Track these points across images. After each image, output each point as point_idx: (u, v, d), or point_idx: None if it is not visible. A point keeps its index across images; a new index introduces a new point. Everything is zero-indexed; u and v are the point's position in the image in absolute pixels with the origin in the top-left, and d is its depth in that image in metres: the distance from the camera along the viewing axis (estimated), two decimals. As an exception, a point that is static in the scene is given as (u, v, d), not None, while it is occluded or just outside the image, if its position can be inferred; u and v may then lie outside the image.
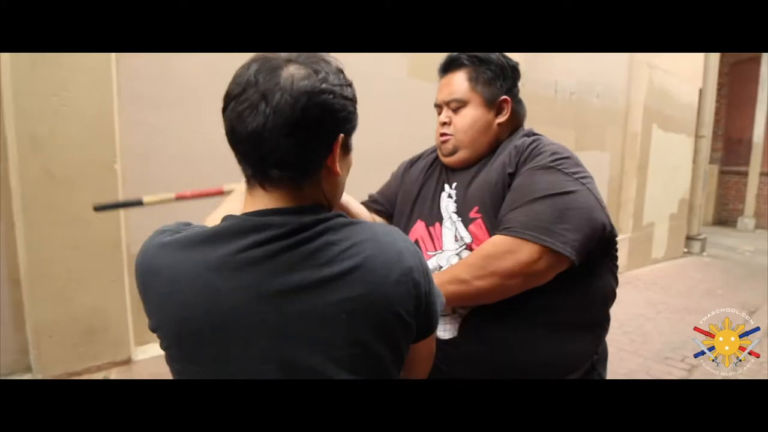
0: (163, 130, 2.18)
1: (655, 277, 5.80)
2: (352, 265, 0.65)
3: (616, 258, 1.18)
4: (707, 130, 7.36)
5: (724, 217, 10.51)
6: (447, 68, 1.23)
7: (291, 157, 0.66)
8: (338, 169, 0.71)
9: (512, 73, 1.21)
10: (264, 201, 0.69)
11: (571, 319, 1.10)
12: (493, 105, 1.19)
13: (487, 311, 1.07)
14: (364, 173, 2.93)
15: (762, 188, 9.91)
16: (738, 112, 10.09)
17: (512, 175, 1.10)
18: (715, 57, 7.27)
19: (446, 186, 1.23)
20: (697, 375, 3.23)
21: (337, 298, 0.65)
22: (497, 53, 1.20)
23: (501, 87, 1.19)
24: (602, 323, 1.20)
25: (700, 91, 7.03)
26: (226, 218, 0.69)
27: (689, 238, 7.31)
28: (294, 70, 0.65)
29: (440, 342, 1.03)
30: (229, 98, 0.66)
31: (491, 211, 1.09)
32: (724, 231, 9.60)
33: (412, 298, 0.70)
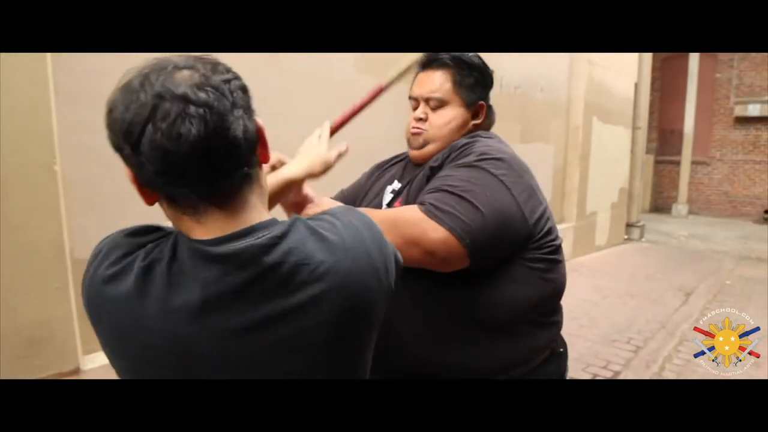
0: (105, 128, 2.08)
1: (599, 263, 6.04)
2: (325, 286, 0.62)
3: (548, 262, 1.12)
4: (643, 122, 7.71)
5: (660, 204, 11.06)
6: (429, 64, 1.22)
7: (240, 153, 0.61)
8: (268, 155, 0.68)
9: (490, 80, 1.23)
10: (217, 224, 0.62)
11: (486, 323, 1.09)
12: (471, 108, 1.20)
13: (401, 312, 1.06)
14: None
15: (693, 176, 10.50)
16: (670, 105, 10.64)
17: (434, 169, 1.11)
18: (648, 53, 7.62)
19: (396, 181, 1.24)
20: (642, 355, 3.39)
21: (315, 321, 0.62)
22: (479, 59, 1.21)
23: (480, 93, 1.21)
24: (525, 328, 1.14)
25: (636, 85, 7.36)
26: (179, 244, 0.63)
27: (629, 226, 7.66)
28: (194, 71, 0.59)
29: None
30: (139, 125, 0.57)
31: (411, 202, 1.09)
32: (660, 217, 10.11)
33: (383, 292, 0.69)
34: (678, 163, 10.46)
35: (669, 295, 4.79)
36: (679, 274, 5.63)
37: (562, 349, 1.24)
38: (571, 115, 6.09)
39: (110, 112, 0.60)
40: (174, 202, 0.62)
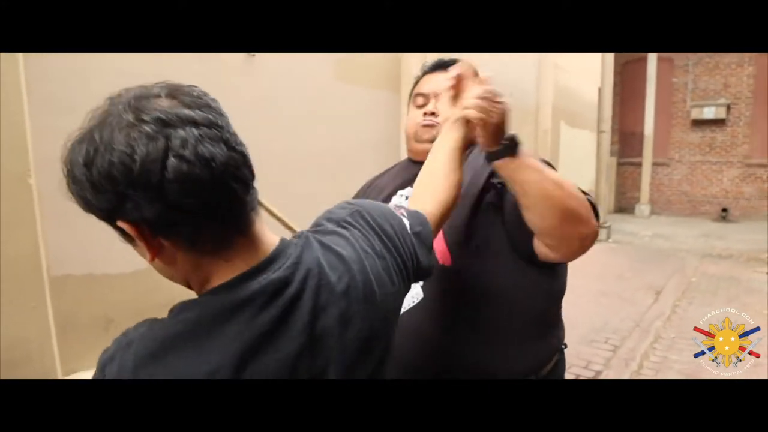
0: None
1: (571, 264, 6.13)
2: (346, 304, 0.63)
3: None
4: (607, 125, 7.92)
5: (623, 205, 11.36)
6: (440, 66, 1.22)
7: (252, 169, 0.59)
8: None
9: None
10: (242, 256, 0.59)
11: (530, 322, 1.10)
12: None
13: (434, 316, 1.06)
14: (289, 174, 2.88)
15: (654, 177, 10.83)
16: (630, 108, 10.95)
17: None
18: (609, 57, 7.84)
19: (409, 187, 1.22)
20: (620, 354, 3.45)
21: (348, 338, 0.63)
22: None
23: None
24: (556, 325, 1.19)
25: (599, 89, 7.57)
26: (190, 309, 0.57)
27: (597, 227, 7.83)
28: (176, 95, 0.55)
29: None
30: (158, 161, 0.50)
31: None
32: (624, 218, 10.38)
33: (401, 287, 0.73)
34: (639, 165, 10.77)
35: (640, 294, 4.91)
36: (648, 273, 5.78)
37: (563, 346, 1.25)
38: (540, 119, 6.20)
39: (91, 163, 0.52)
40: (195, 244, 0.56)
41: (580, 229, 0.96)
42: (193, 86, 0.59)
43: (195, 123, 0.53)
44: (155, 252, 0.57)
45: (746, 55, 9.69)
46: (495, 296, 1.05)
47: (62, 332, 1.90)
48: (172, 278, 0.62)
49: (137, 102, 0.54)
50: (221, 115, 0.57)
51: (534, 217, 0.94)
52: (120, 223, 0.54)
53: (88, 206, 0.55)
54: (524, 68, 5.79)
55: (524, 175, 0.91)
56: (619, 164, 11.28)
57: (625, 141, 11.32)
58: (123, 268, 2.12)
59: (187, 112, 0.53)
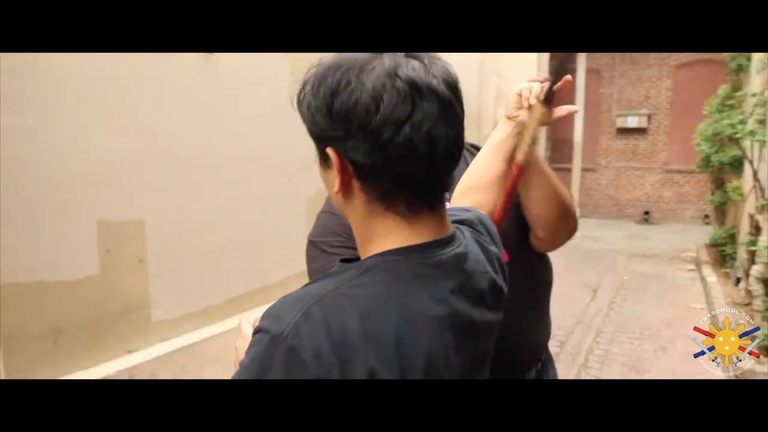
0: (37, 135, 1.86)
1: (512, 266, 6.35)
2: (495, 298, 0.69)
3: None
4: (541, 132, 8.24)
5: (555, 208, 11.87)
6: None
7: (462, 150, 0.63)
8: None
9: None
10: (429, 227, 0.61)
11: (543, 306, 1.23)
12: None
13: None
14: (247, 174, 2.81)
15: (583, 182, 11.38)
16: (561, 117, 11.45)
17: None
18: (544, 68, 8.19)
19: None
20: (567, 350, 3.61)
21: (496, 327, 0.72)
22: None
23: None
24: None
25: (535, 97, 7.88)
26: (387, 269, 0.57)
27: (533, 229, 8.13)
28: (429, 68, 0.58)
29: None
30: (398, 124, 0.54)
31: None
32: (557, 221, 10.86)
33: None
34: (569, 170, 11.27)
35: (579, 292, 5.16)
36: (583, 272, 6.07)
37: None
38: (481, 125, 6.38)
39: (337, 92, 0.55)
40: (385, 200, 0.59)
41: (570, 223, 1.13)
42: (440, 60, 0.60)
43: (440, 99, 0.56)
44: (344, 189, 0.59)
45: (665, 69, 10.42)
46: (536, 283, 1.19)
47: (10, 343, 1.76)
48: (342, 213, 0.63)
49: (395, 60, 0.56)
50: (461, 100, 0.60)
51: (540, 210, 1.03)
52: (330, 151, 0.56)
53: (312, 124, 0.58)
54: (466, 73, 5.94)
55: (537, 176, 1.07)
56: (552, 169, 11.78)
57: (556, 147, 11.83)
58: (74, 275, 1.99)
59: (437, 85, 0.56)
